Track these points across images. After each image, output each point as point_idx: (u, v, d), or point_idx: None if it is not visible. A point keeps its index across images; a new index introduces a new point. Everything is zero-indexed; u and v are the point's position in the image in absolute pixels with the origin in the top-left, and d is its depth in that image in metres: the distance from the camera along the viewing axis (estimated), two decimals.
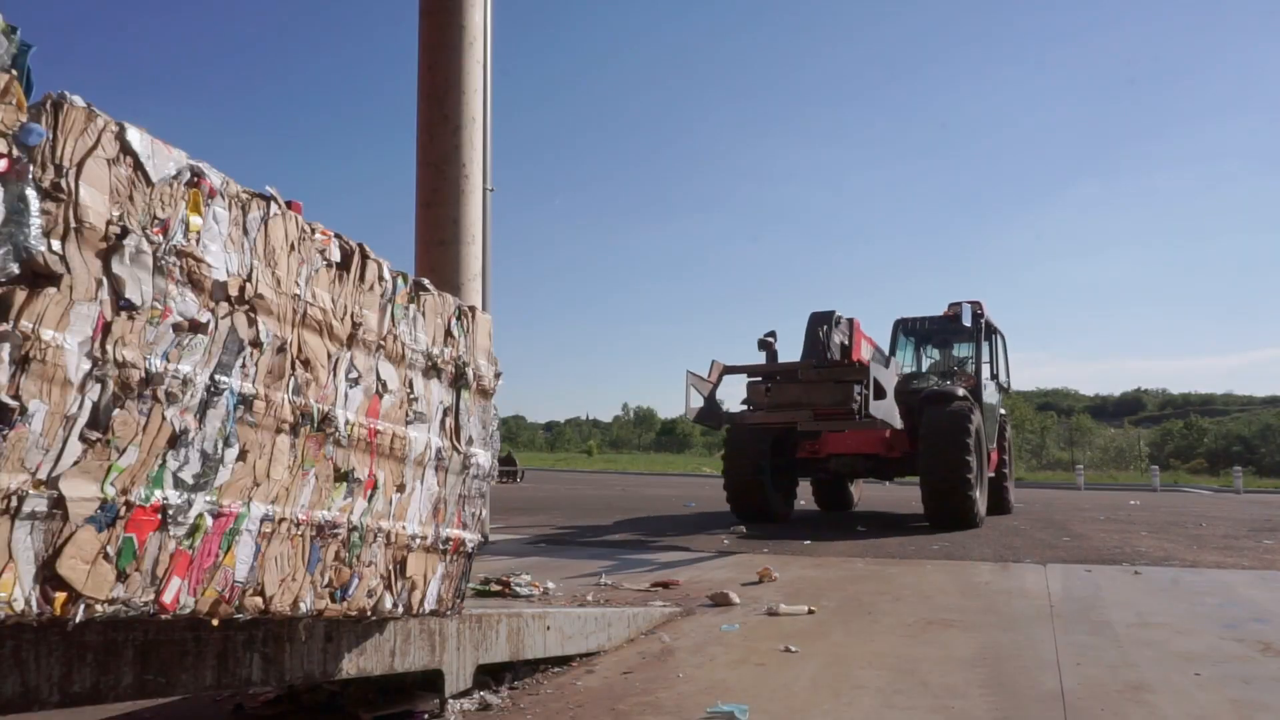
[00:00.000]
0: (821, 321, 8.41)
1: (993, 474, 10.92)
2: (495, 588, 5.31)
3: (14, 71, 1.52)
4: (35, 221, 1.52)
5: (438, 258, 7.77)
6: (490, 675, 3.23)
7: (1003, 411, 12.23)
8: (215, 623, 2.02)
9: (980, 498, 9.49)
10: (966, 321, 10.77)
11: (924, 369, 12.25)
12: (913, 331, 12.08)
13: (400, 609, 2.65)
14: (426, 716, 2.88)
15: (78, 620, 1.65)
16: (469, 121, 7.96)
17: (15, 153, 1.48)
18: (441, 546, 2.82)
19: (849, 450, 10.38)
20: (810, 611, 4.73)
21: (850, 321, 8.86)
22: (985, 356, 11.55)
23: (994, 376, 11.72)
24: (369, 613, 2.53)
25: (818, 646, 3.92)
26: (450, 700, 2.94)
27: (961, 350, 12.06)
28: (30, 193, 1.50)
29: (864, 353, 9.11)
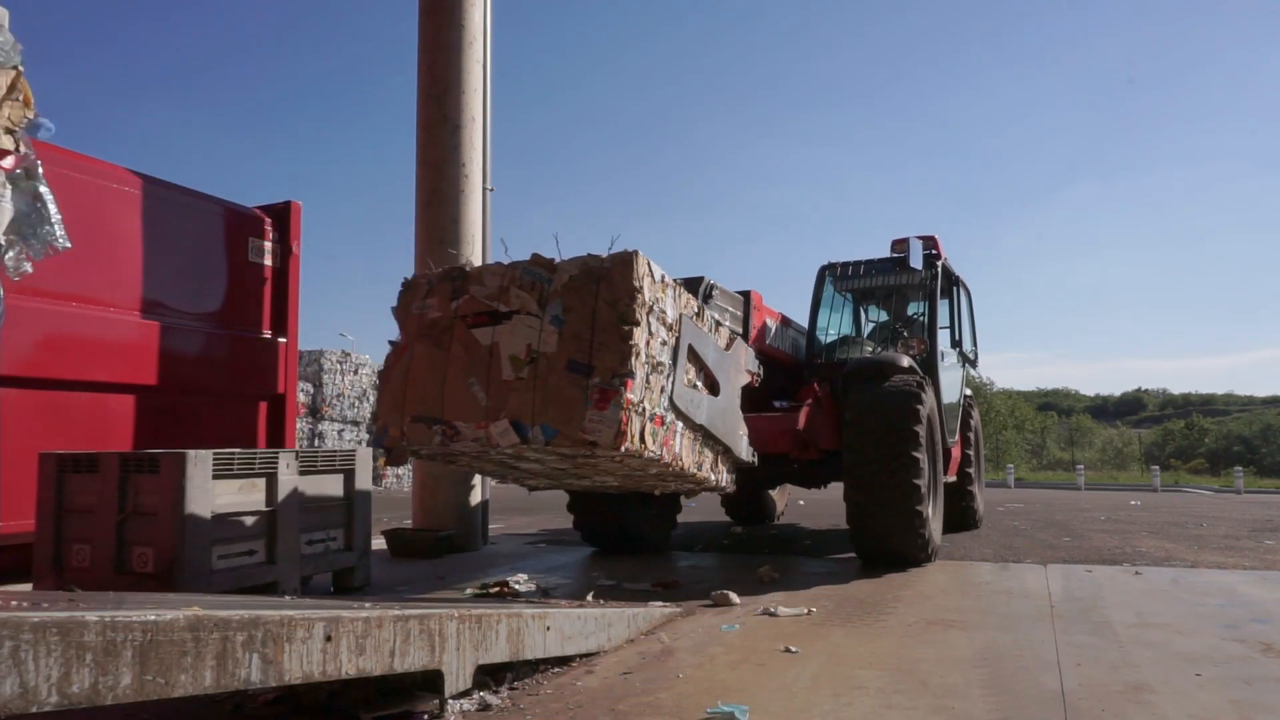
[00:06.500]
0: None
1: (952, 478, 8.16)
2: (495, 588, 5.30)
3: (21, 68, 1.52)
4: (56, 218, 1.51)
5: (437, 257, 7.76)
6: (490, 675, 3.23)
7: (968, 392, 9.10)
8: (669, 468, 4.72)
9: (932, 518, 6.51)
10: (916, 263, 7.60)
11: (864, 333, 8.88)
12: (846, 280, 8.52)
13: (716, 478, 5.40)
14: (426, 716, 2.87)
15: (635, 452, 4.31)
16: (469, 121, 7.96)
17: (24, 149, 1.47)
18: (724, 453, 5.49)
19: None
20: (810, 611, 4.73)
21: (746, 294, 6.75)
22: (944, 318, 8.39)
23: (956, 343, 8.64)
24: (710, 481, 5.31)
25: (817, 646, 3.92)
26: (450, 700, 2.94)
27: (911, 306, 8.64)
28: (44, 190, 1.50)
29: (767, 336, 7.13)
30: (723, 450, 5.36)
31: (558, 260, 4.35)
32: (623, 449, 4.09)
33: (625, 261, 4.20)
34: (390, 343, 4.70)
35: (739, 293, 6.61)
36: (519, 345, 4.24)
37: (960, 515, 8.79)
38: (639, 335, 4.16)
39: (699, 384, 4.99)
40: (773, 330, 7.22)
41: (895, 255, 8.17)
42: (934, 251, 8.23)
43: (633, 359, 4.12)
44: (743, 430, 5.62)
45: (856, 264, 8.47)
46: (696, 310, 4.97)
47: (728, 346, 5.36)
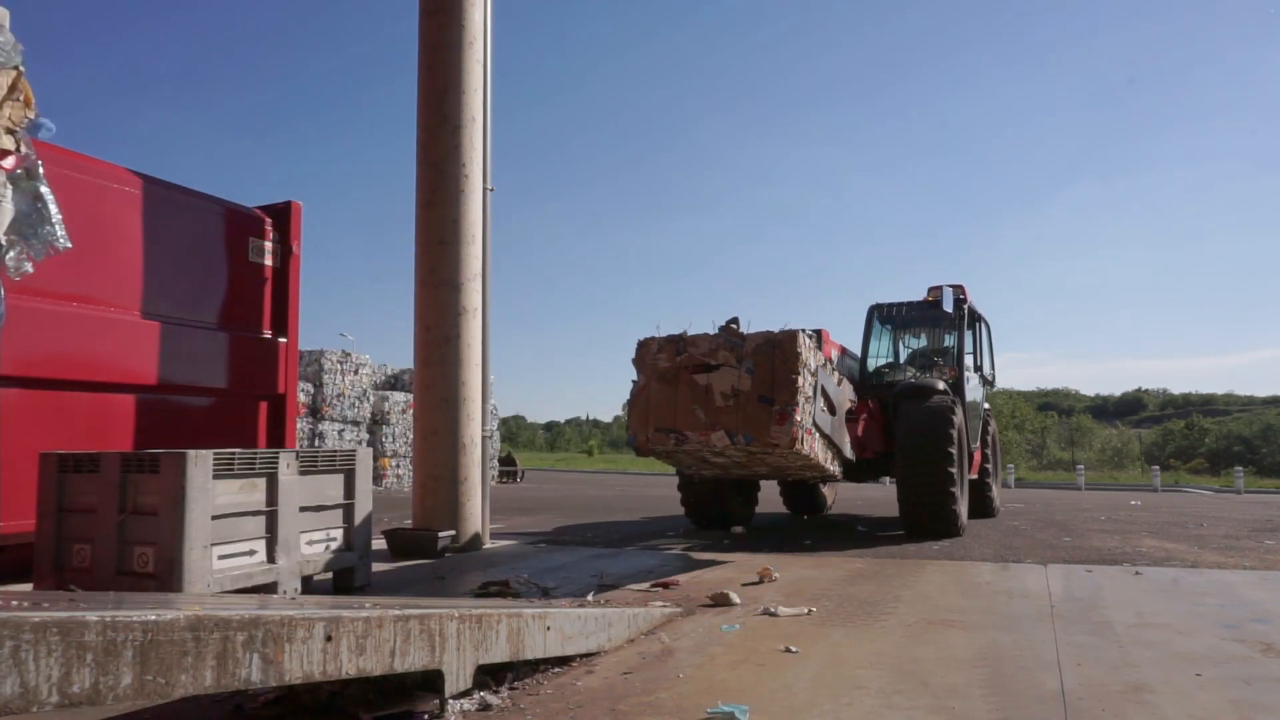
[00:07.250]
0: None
1: (975, 476, 10.37)
2: (495, 588, 5.31)
3: (22, 68, 1.52)
4: (56, 218, 1.51)
5: (438, 258, 7.77)
6: (490, 675, 3.23)
7: (986, 406, 11.52)
8: (810, 461, 7.04)
9: (962, 504, 8.77)
10: (948, 307, 9.90)
11: (902, 359, 11.32)
12: (889, 318, 11.00)
13: (834, 469, 7.71)
14: (426, 716, 2.87)
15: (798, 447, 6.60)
16: (469, 121, 7.96)
17: (24, 149, 1.47)
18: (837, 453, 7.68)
19: None
20: (810, 611, 4.73)
21: (818, 333, 8.74)
22: (968, 346, 10.59)
23: (978, 368, 10.96)
24: (830, 470, 7.63)
25: (818, 647, 3.92)
26: (450, 700, 2.94)
27: (942, 339, 11.01)
28: (45, 190, 1.50)
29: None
30: (836, 451, 7.69)
31: (747, 333, 6.69)
32: (794, 448, 6.47)
33: (791, 336, 6.57)
34: (633, 381, 7.04)
35: (813, 330, 8.55)
36: (725, 385, 6.56)
37: (981, 505, 10.78)
38: (800, 381, 6.49)
39: (824, 408, 7.21)
40: (835, 360, 9.24)
41: (930, 300, 10.48)
42: (961, 297, 10.40)
43: (798, 394, 6.44)
44: (847, 439, 8.02)
45: (899, 305, 10.94)
46: (824, 361, 7.31)
47: (839, 383, 7.83)
